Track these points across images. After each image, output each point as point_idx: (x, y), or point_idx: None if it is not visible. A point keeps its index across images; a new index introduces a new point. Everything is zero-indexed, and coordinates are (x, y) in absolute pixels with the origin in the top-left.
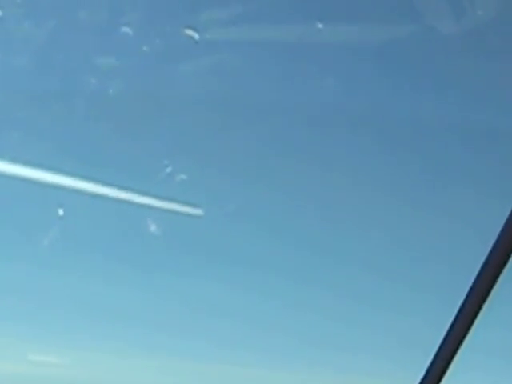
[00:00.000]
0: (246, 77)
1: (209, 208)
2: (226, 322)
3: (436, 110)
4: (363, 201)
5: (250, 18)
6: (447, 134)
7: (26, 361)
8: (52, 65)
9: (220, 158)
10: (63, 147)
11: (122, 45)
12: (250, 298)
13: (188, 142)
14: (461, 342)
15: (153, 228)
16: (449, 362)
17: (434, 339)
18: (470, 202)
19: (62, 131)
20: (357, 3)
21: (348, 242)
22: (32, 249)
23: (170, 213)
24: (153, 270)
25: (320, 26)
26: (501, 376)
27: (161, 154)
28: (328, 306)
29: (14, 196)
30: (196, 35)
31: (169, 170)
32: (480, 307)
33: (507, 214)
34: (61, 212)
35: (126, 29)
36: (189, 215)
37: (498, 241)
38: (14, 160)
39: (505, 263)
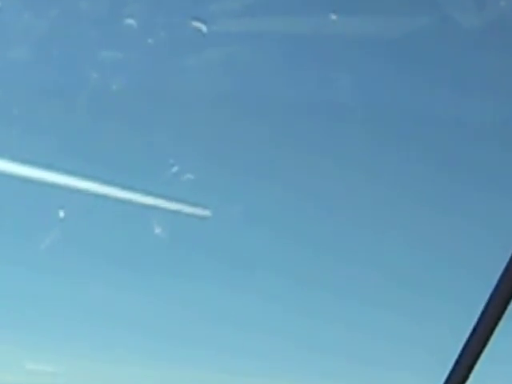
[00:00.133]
0: (257, 71)
1: (217, 209)
2: (233, 328)
3: (454, 106)
4: (381, 203)
5: (261, 9)
6: (465, 130)
7: (24, 370)
8: (52, 58)
9: (229, 156)
10: (64, 145)
11: (126, 37)
12: (259, 303)
13: (195, 139)
14: (481, 350)
15: (158, 230)
16: (469, 371)
17: (453, 347)
18: (493, 204)
19: (62, 128)
20: None
21: (363, 247)
22: (30, 252)
23: (176, 214)
24: (156, 273)
25: (334, 17)
26: None
27: (167, 152)
28: (340, 313)
29: (12, 196)
30: (204, 27)
31: (175, 169)
32: (502, 313)
33: None
34: (61, 213)
35: (129, 20)
36: (196, 216)
37: None
38: (13, 158)
39: None
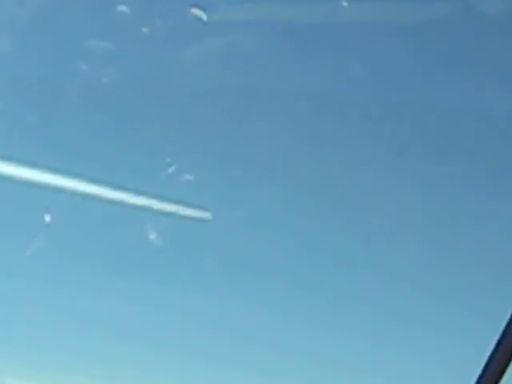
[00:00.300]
0: (262, 62)
1: (218, 211)
2: (234, 340)
3: (474, 98)
4: (391, 209)
5: None
6: (487, 124)
7: None
8: (37, 49)
9: (231, 154)
10: (51, 142)
11: (118, 26)
12: (263, 313)
13: (194, 137)
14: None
15: (154, 234)
16: None
17: (476, 361)
18: None
19: (49, 123)
20: None
21: (370, 253)
22: (13, 259)
23: (174, 217)
24: (152, 280)
25: (345, 3)
26: None
27: (164, 150)
28: (352, 325)
29: None
30: (203, 15)
31: (173, 169)
32: None
33: None
34: (48, 216)
35: (122, 7)
36: (195, 219)
37: None
38: None
39: None
